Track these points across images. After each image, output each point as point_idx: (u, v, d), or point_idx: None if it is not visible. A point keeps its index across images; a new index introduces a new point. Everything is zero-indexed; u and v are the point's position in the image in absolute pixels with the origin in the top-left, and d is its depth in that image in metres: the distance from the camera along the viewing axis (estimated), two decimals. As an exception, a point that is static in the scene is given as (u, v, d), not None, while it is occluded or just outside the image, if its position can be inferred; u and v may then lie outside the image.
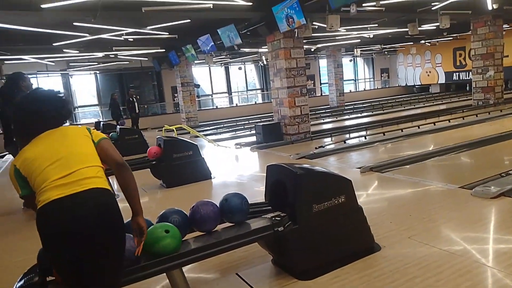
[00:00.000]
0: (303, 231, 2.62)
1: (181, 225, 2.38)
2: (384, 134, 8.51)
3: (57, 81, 16.72)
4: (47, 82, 16.56)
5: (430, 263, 2.75)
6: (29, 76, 5.12)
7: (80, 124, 14.57)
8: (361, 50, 19.15)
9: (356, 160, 6.64)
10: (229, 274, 2.85)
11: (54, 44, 9.73)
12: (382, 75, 25.34)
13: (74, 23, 7.89)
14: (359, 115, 14.51)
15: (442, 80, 22.08)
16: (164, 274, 2.27)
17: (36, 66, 14.31)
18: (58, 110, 1.92)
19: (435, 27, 12.25)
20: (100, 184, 1.77)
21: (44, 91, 2.02)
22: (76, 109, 17.38)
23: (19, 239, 4.10)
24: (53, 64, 14.14)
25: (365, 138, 8.62)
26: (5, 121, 4.99)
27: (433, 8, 9.85)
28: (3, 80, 14.04)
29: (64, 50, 11.01)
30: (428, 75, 22.69)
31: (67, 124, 2.03)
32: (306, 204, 2.64)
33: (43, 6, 6.16)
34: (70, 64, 15.47)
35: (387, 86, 25.11)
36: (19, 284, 1.91)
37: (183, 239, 2.35)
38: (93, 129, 2.01)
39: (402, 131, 8.82)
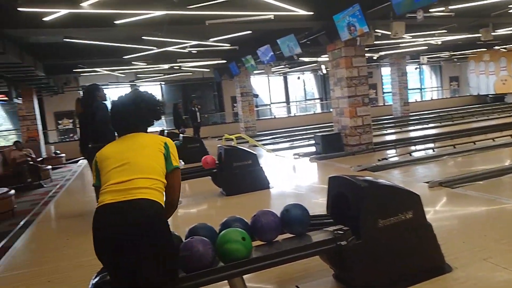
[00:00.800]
0: (367, 247, 2.51)
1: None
2: (454, 147, 7.96)
3: (126, 91, 17.82)
4: (117, 92, 17.76)
5: (510, 289, 2.50)
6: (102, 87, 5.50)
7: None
8: (428, 58, 18.22)
9: (423, 174, 6.29)
10: (289, 286, 2.80)
11: (124, 57, 10.42)
12: (451, 83, 23.89)
13: (143, 37, 8.39)
14: (426, 126, 13.77)
15: (519, 89, 20.33)
16: (226, 281, 2.29)
17: (108, 78, 15.41)
18: (141, 114, 2.03)
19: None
20: (149, 195, 1.80)
21: (134, 95, 2.13)
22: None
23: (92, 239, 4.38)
24: (123, 75, 15.13)
25: (433, 151, 8.14)
26: (83, 128, 5.38)
27: (510, 11, 9.12)
28: (79, 91, 15.34)
29: (133, 63, 11.74)
30: (504, 84, 20.98)
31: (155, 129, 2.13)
32: (371, 218, 2.53)
33: (116, 22, 6.63)
34: (138, 75, 16.45)
35: (456, 96, 23.63)
36: (94, 281, 2.04)
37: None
38: (174, 149, 1.99)
39: (474, 143, 8.20)
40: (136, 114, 2.01)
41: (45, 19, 5.94)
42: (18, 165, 8.90)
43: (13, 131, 17.19)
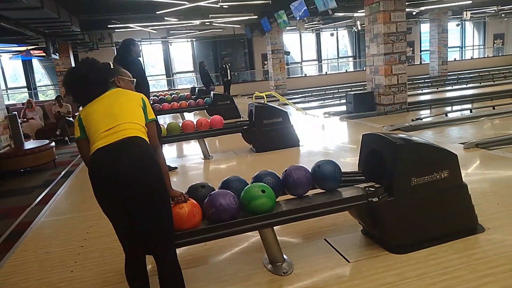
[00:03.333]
0: (399, 204, 2.51)
1: (274, 187, 2.44)
2: (494, 108, 7.61)
3: (158, 48, 17.91)
4: (150, 49, 17.86)
5: (545, 251, 2.46)
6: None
7: (177, 90, 15.49)
8: (471, 13, 17.00)
9: (458, 135, 6.09)
10: (317, 239, 2.88)
11: (157, 13, 10.33)
12: (495, 41, 22.36)
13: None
14: (464, 86, 13.14)
15: None
16: (256, 232, 2.37)
17: (141, 34, 15.40)
18: (98, 81, 2.11)
19: None
20: (134, 133, 1.96)
21: (80, 68, 2.16)
22: (174, 75, 18.53)
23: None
24: (155, 32, 15.08)
25: (470, 112, 7.82)
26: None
27: None
28: (113, 47, 15.47)
29: (165, 18, 11.64)
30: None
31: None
32: (404, 176, 2.51)
33: (148, -25, 6.54)
34: (170, 32, 16.35)
35: (499, 54, 22.15)
36: None
37: (274, 200, 2.42)
38: (149, 104, 2.15)
39: (516, 105, 7.81)
40: (94, 83, 2.09)
41: (79, -28, 5.94)
42: (57, 120, 9.28)
43: (50, 86, 17.79)
